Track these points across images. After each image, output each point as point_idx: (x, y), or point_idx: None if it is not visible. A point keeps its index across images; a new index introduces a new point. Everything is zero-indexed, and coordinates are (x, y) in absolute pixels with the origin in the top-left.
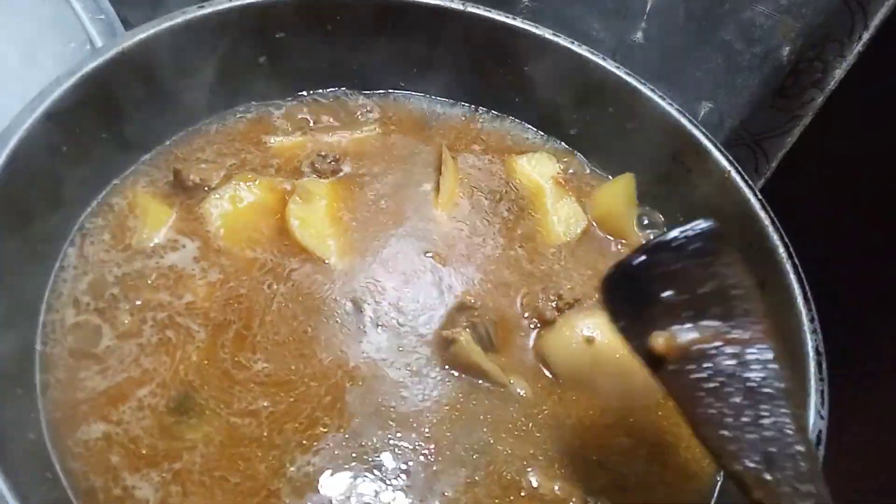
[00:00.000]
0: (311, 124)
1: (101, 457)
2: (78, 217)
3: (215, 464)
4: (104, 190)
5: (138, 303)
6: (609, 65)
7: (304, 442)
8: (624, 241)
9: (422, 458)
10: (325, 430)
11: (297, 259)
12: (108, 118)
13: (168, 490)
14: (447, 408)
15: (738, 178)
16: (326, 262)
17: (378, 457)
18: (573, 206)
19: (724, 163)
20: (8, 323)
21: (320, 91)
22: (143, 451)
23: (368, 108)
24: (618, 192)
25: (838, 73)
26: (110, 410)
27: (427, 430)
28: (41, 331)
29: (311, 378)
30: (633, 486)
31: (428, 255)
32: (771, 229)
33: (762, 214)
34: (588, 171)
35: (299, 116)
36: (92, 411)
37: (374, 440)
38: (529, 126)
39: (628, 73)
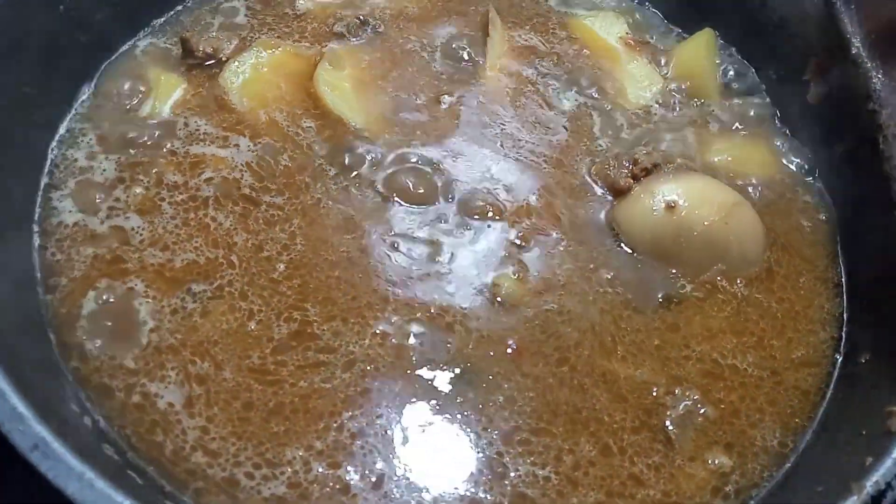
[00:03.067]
0: None
1: None
2: (75, 94)
3: None
4: (105, 61)
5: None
6: None
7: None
8: (705, 101)
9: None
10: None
11: (330, 129)
12: None
13: None
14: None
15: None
16: (364, 132)
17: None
18: (646, 67)
19: None
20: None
21: None
22: None
23: None
24: (697, 48)
25: None
26: None
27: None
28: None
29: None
30: (728, 377)
31: (474, 122)
32: None
33: None
34: (659, 27)
35: None
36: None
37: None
38: None
39: None
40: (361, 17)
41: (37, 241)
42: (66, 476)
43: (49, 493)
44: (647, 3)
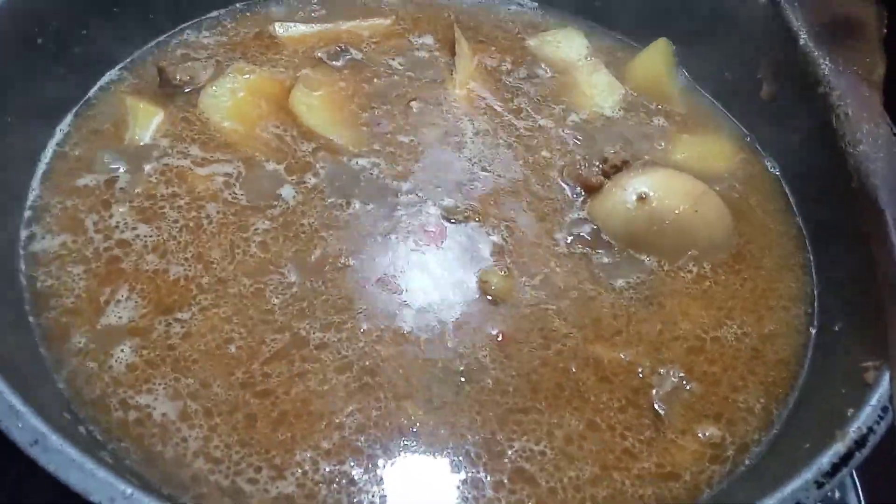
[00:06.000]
0: (318, 16)
1: None
2: (57, 124)
3: None
4: (85, 96)
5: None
6: None
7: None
8: (665, 105)
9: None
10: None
11: (310, 144)
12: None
13: None
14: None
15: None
16: (340, 144)
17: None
18: (608, 77)
19: None
20: None
21: None
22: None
23: None
24: (654, 57)
25: None
26: None
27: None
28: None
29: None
30: (710, 351)
31: (446, 136)
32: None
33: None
34: (618, 44)
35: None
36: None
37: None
38: (551, 7)
39: None
40: (342, 46)
41: (23, 268)
42: (68, 467)
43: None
44: (604, 22)
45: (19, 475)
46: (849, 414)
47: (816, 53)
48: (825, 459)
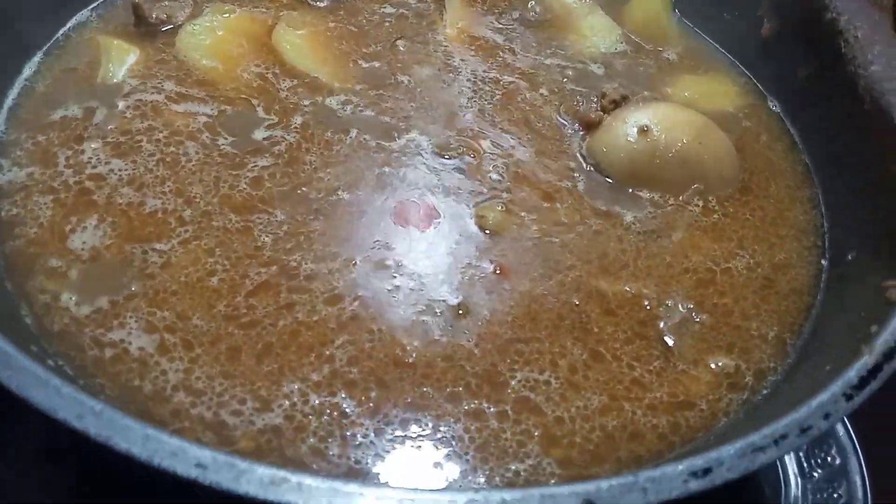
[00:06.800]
0: None
1: None
2: (26, 59)
3: None
4: (57, 33)
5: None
6: None
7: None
8: (663, 46)
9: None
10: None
11: (293, 81)
12: None
13: None
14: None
15: None
16: (329, 83)
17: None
18: (604, 18)
19: None
20: None
21: None
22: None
23: None
24: None
25: None
26: None
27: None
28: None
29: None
30: (720, 283)
31: (438, 73)
32: None
33: None
34: None
35: None
36: None
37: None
38: None
39: None
40: None
41: None
42: (31, 384)
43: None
44: None
45: None
46: (873, 330)
47: None
48: (852, 373)
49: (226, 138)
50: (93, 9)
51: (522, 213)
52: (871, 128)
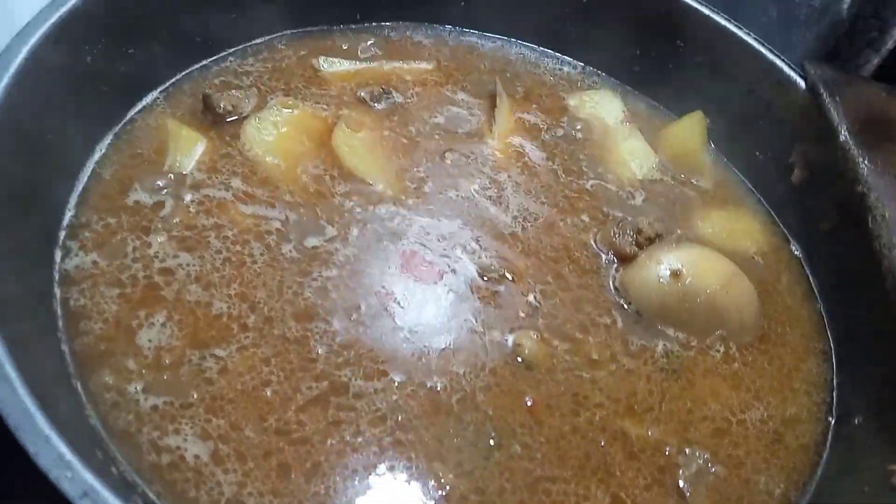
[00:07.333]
0: (364, 54)
1: None
2: (97, 142)
3: None
4: (126, 116)
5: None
6: None
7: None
8: (696, 177)
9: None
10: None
11: (348, 187)
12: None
13: None
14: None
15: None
16: (383, 192)
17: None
18: (642, 144)
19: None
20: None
21: (379, 23)
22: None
23: (423, 42)
24: (688, 129)
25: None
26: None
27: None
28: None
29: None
30: (735, 434)
31: (484, 190)
32: None
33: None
34: (653, 110)
35: (353, 46)
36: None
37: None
38: (590, 67)
39: (698, 2)
40: (384, 88)
41: (57, 291)
42: None
43: None
44: (640, 87)
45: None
46: None
47: (856, 151)
48: None
49: (289, 242)
50: (162, 90)
51: (556, 342)
52: (890, 306)
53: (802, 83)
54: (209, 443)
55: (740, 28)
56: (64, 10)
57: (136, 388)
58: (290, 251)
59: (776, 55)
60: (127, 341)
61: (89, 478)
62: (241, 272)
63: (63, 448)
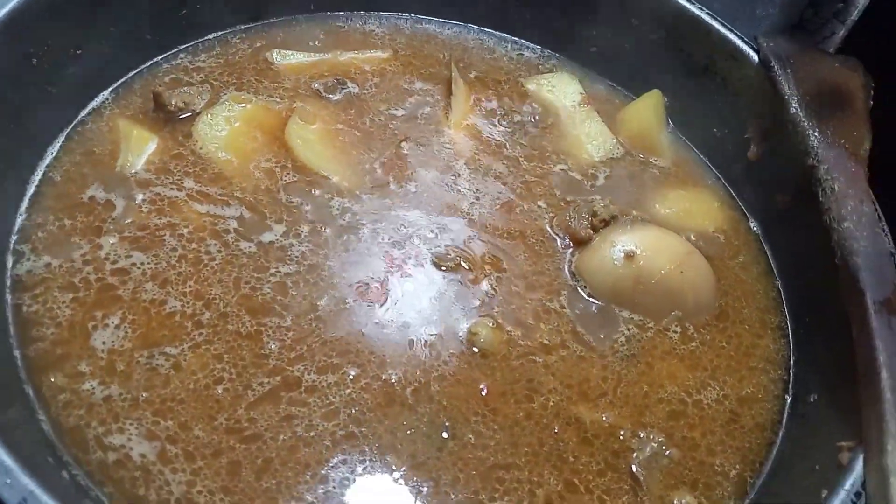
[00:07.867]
0: (317, 45)
1: None
2: (48, 145)
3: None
4: (77, 117)
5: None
6: None
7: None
8: (653, 157)
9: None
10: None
11: (303, 179)
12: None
13: None
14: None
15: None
16: (337, 184)
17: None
18: (600, 126)
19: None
20: None
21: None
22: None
23: (376, 31)
24: (646, 108)
25: (861, 3)
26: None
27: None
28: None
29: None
30: (691, 415)
31: (442, 178)
32: None
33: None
34: (612, 91)
35: (306, 37)
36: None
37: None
38: (547, 50)
39: None
40: (339, 78)
41: (9, 297)
42: None
43: None
44: (597, 69)
45: None
46: (823, 496)
47: (806, 123)
48: None
49: (245, 239)
50: (113, 90)
51: (509, 328)
52: (839, 281)
53: (756, 57)
54: (155, 443)
55: (692, 3)
56: (4, 12)
57: (90, 386)
58: (249, 247)
59: (729, 29)
60: (81, 344)
61: (29, 483)
62: (198, 269)
63: (2, 454)
